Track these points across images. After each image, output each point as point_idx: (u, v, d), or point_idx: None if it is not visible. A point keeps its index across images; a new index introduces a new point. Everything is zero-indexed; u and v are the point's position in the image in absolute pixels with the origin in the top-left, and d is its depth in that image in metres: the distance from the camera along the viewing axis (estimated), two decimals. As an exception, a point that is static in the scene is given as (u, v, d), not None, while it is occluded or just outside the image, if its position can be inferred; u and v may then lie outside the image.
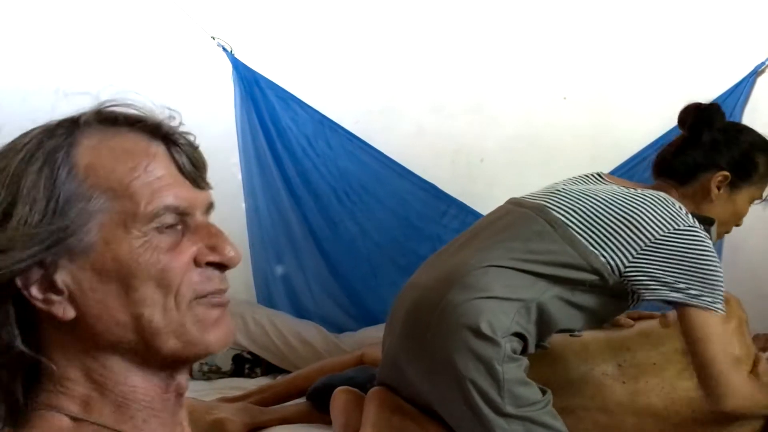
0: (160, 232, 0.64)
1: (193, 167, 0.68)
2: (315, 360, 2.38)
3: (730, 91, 2.57)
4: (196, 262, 0.65)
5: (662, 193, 1.51)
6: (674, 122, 2.60)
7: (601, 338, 1.73)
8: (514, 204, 1.57)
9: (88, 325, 0.63)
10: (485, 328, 1.36)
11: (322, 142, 2.74)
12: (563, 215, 1.46)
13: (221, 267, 0.67)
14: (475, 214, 2.51)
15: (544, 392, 1.43)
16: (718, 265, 1.42)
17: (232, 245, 0.67)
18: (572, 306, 1.46)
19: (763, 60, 2.57)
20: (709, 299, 1.40)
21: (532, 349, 1.46)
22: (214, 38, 2.66)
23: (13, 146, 0.64)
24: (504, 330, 1.37)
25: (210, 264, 0.66)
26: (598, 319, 1.55)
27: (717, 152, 1.58)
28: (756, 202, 1.62)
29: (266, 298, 2.80)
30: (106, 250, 0.62)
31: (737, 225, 1.63)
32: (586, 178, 1.63)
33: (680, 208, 1.47)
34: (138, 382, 0.65)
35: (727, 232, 1.63)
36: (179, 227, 0.66)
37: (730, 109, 2.56)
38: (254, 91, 2.72)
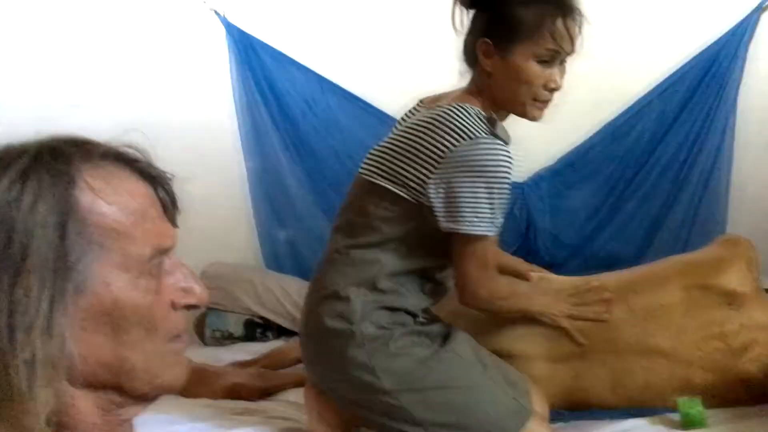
0: (150, 274, 0.64)
1: (173, 208, 0.70)
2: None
3: (734, 28, 2.52)
4: (173, 305, 0.66)
5: (450, 106, 1.42)
6: (678, 63, 2.58)
7: (611, 281, 1.74)
8: (352, 183, 1.57)
9: (71, 365, 0.61)
10: (335, 324, 1.41)
11: (321, 104, 2.71)
12: (370, 174, 1.46)
13: (191, 308, 0.68)
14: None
15: (442, 344, 1.46)
16: (492, 182, 1.35)
17: (202, 285, 0.68)
18: (418, 250, 1.45)
19: (768, -5, 2.52)
20: (468, 225, 1.37)
21: (419, 301, 1.48)
22: (205, 2, 2.61)
23: (6, 185, 0.60)
24: (354, 319, 1.41)
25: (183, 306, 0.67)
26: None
27: (478, 22, 1.46)
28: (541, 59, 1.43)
29: (274, 263, 2.80)
30: (104, 291, 0.61)
31: (549, 89, 1.46)
32: (405, 116, 1.59)
33: (461, 116, 1.39)
34: (83, 408, 0.64)
35: (539, 99, 1.46)
36: (158, 268, 0.66)
37: (734, 47, 2.52)
38: (249, 55, 2.68)
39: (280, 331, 2.56)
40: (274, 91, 2.71)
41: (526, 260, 1.91)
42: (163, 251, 0.66)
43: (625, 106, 2.62)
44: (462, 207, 1.37)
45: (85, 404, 0.63)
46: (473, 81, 1.50)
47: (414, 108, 1.59)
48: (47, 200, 0.60)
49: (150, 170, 0.68)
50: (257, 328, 2.56)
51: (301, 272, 2.77)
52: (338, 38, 2.70)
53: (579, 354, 1.67)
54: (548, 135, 2.65)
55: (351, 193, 1.53)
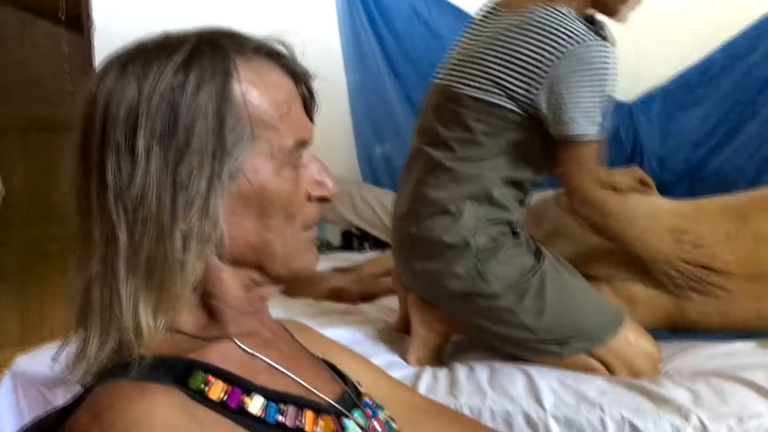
0: (291, 165, 0.68)
1: (312, 104, 0.74)
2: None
3: None
4: (309, 196, 0.70)
5: (546, 9, 1.39)
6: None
7: (714, 204, 1.68)
8: (429, 93, 1.55)
9: (221, 242, 0.66)
10: (448, 238, 1.43)
11: (425, 18, 2.67)
12: (462, 85, 1.44)
13: (322, 200, 0.72)
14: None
15: (537, 257, 1.47)
16: (600, 84, 1.37)
17: (333, 179, 0.71)
18: (524, 162, 1.46)
19: None
20: (582, 128, 1.39)
21: (519, 215, 1.50)
22: None
23: (172, 71, 0.64)
24: (467, 233, 1.42)
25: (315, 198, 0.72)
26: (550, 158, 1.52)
27: None
28: None
29: (370, 177, 2.85)
30: (254, 177, 0.66)
31: None
32: (481, 20, 1.53)
33: (563, 19, 1.37)
34: (229, 282, 0.69)
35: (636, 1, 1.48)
36: (297, 160, 0.70)
37: None
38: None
39: (376, 243, 2.63)
40: (378, 4, 2.68)
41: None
42: (303, 144, 0.69)
43: (747, 24, 2.46)
44: (573, 111, 1.37)
45: (230, 279, 0.68)
46: None
47: (491, 11, 1.54)
48: (208, 88, 0.64)
49: (294, 67, 0.71)
50: (354, 239, 2.63)
51: (396, 186, 2.80)
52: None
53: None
54: (659, 54, 2.53)
55: (437, 104, 1.51)
